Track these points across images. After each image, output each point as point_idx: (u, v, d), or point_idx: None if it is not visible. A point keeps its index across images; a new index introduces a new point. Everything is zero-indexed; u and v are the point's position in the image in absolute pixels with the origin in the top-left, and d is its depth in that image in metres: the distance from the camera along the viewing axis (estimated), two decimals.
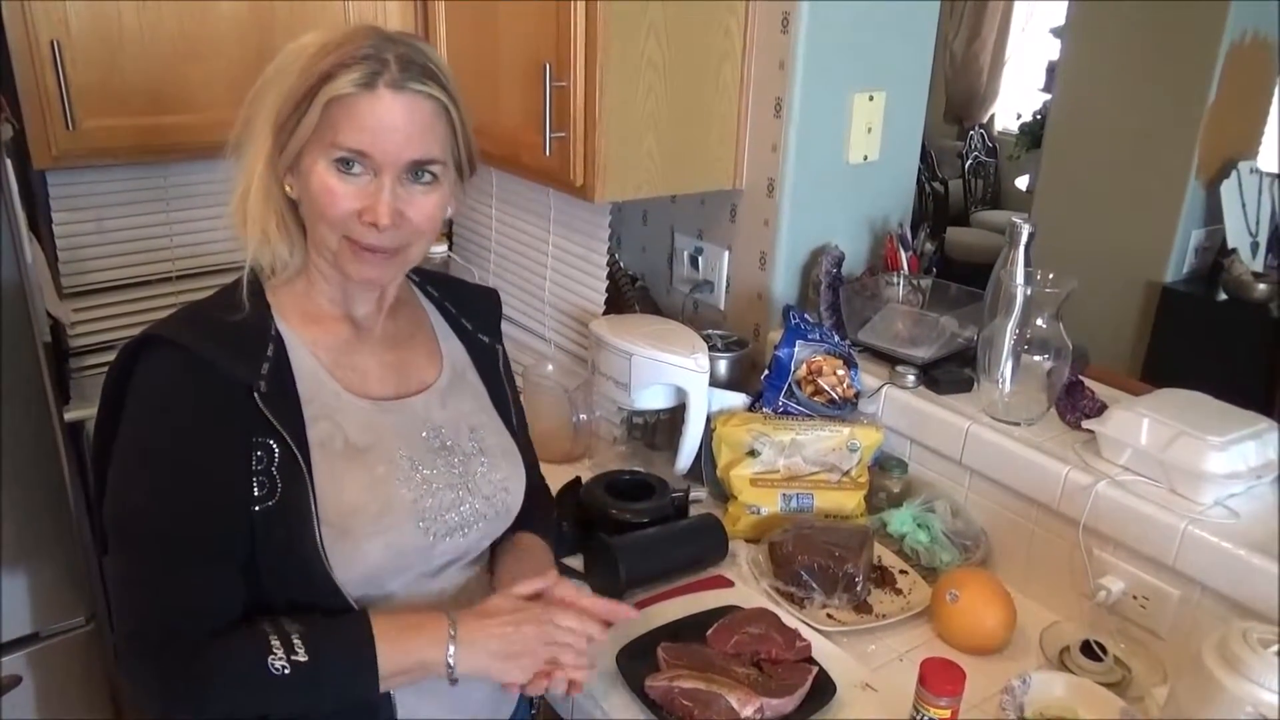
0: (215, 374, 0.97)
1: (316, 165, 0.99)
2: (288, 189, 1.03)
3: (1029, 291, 1.42)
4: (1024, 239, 1.46)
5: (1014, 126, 5.79)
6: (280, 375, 1.01)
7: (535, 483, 1.27)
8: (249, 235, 1.03)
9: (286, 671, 0.93)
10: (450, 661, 1.00)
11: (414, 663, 1.00)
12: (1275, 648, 0.97)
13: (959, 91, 6.01)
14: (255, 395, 0.98)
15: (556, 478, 1.58)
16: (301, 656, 0.94)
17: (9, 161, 1.55)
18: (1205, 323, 3.05)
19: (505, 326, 1.34)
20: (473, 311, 1.26)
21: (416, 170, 1.01)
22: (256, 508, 0.97)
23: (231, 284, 1.06)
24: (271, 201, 1.03)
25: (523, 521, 1.22)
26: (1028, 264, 1.46)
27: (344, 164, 0.98)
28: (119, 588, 0.98)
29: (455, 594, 1.13)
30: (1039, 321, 1.42)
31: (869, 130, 1.77)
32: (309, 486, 0.98)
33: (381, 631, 0.98)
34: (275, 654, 0.94)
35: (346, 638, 0.98)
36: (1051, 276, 1.42)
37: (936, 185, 5.31)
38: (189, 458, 0.97)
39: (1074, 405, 1.44)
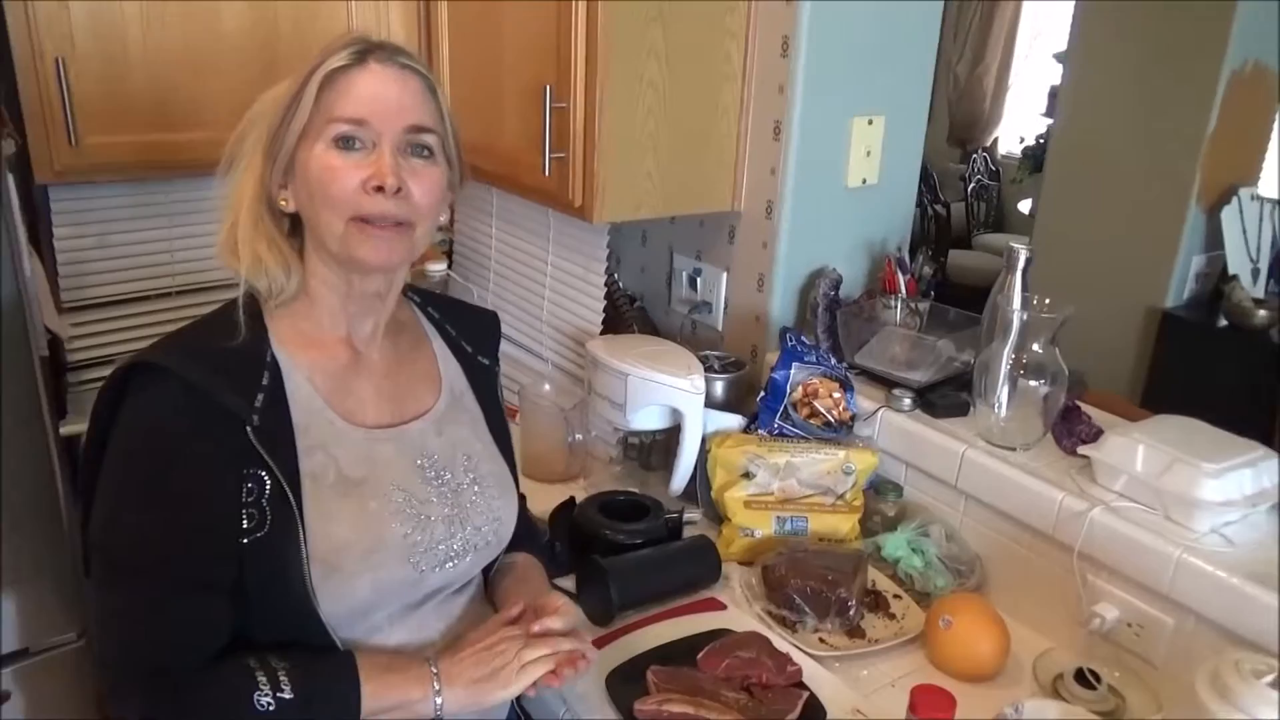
0: (208, 404, 0.96)
1: (314, 150, 1.00)
2: (282, 203, 1.03)
3: (1025, 316, 1.42)
4: (1021, 263, 1.46)
5: (1017, 150, 5.82)
6: (275, 406, 1.00)
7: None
8: (241, 260, 1.03)
9: (271, 709, 0.93)
10: (437, 701, 1.00)
11: (397, 700, 0.99)
12: (1268, 678, 0.96)
13: (962, 115, 6.04)
14: (248, 429, 0.97)
15: (551, 497, 1.58)
16: (287, 694, 0.94)
17: (10, 176, 1.56)
18: (1206, 349, 3.04)
19: (503, 345, 1.33)
20: (473, 334, 1.25)
21: (414, 142, 1.02)
22: (245, 540, 0.96)
23: (227, 305, 1.05)
24: (261, 225, 1.03)
25: (514, 543, 1.21)
26: (1025, 289, 1.46)
27: (344, 141, 0.99)
28: (104, 616, 0.97)
29: (441, 621, 1.11)
30: (1035, 346, 1.42)
31: (868, 154, 1.78)
32: (299, 522, 0.97)
33: (366, 672, 0.98)
34: (262, 689, 0.93)
35: (332, 677, 0.98)
36: (1048, 302, 1.42)
37: (939, 208, 5.32)
38: (178, 488, 0.96)
39: (1070, 431, 1.44)
